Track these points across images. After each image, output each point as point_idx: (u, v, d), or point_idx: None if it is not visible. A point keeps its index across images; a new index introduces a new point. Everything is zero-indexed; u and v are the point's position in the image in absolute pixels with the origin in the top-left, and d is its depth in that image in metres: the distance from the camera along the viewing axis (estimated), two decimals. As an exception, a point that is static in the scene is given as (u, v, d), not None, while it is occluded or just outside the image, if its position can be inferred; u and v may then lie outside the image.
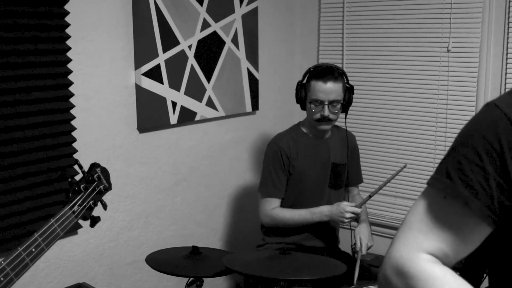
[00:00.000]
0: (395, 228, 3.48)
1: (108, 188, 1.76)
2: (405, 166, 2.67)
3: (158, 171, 2.90)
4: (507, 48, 3.03)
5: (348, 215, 2.65)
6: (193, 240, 3.11)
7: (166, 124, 2.88)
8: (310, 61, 3.69)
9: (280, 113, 3.66)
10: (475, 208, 1.01)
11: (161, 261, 2.21)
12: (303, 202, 2.82)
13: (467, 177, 1.03)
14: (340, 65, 3.38)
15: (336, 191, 2.91)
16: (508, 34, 3.01)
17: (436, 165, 3.24)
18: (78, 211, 1.64)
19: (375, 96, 3.48)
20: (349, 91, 2.76)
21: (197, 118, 3.03)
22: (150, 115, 2.78)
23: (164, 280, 2.95)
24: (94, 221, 1.71)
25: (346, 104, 2.76)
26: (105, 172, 1.75)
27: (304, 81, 2.76)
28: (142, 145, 2.80)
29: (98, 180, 1.72)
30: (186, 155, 3.05)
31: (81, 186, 1.67)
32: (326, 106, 2.69)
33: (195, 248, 2.25)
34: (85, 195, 1.67)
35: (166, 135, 2.92)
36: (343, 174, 2.91)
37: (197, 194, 3.14)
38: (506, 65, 3.04)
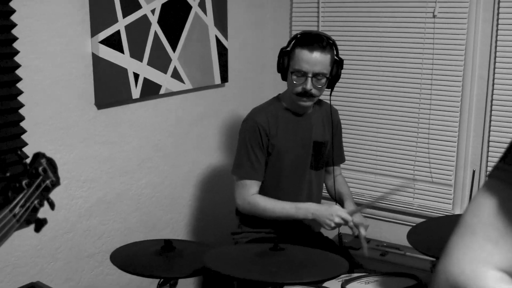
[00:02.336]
0: (375, 207, 3.27)
1: (56, 183, 1.40)
2: (409, 184, 2.43)
3: (119, 152, 2.60)
4: (498, 13, 2.81)
5: (337, 220, 2.35)
6: (160, 227, 2.83)
7: (128, 99, 2.58)
8: (282, 29, 3.43)
9: (250, 85, 3.37)
10: None
11: (128, 259, 1.90)
12: (282, 185, 2.55)
13: None
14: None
15: (317, 172, 2.65)
16: (498, -3, 2.79)
17: (419, 137, 3.06)
18: (20, 213, 1.29)
19: (354, 66, 3.21)
20: (337, 64, 2.46)
21: (162, 91, 2.73)
22: (109, 88, 2.47)
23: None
24: (40, 224, 1.36)
25: (332, 79, 2.48)
26: (51, 163, 1.40)
27: (289, 48, 2.46)
28: (101, 123, 2.49)
29: (43, 173, 1.36)
30: (150, 133, 2.75)
31: (23, 183, 1.31)
32: (309, 79, 2.40)
33: (167, 242, 1.95)
34: (28, 193, 1.32)
35: (128, 111, 2.61)
36: (324, 154, 2.65)
37: (162, 176, 2.85)
38: (497, 31, 2.82)
